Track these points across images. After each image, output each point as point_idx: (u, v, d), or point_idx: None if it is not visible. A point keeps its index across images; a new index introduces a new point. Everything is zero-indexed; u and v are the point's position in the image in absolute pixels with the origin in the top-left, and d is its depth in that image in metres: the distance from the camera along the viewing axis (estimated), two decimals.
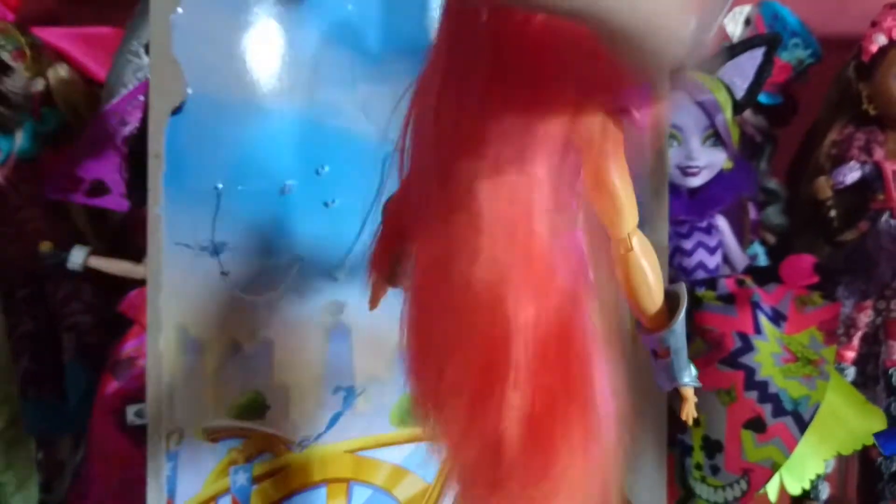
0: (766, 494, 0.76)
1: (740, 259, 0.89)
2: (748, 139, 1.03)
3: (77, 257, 0.87)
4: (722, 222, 0.87)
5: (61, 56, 0.96)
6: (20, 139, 0.94)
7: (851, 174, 0.95)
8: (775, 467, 0.72)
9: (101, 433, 0.82)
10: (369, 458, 0.77)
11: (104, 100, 0.90)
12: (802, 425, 0.73)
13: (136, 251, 0.86)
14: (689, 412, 0.46)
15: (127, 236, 0.92)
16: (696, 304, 0.84)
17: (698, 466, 0.77)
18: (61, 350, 0.96)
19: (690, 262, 0.86)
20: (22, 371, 0.96)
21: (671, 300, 0.42)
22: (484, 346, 0.29)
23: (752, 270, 0.90)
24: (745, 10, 1.04)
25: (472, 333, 0.29)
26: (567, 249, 0.32)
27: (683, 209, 0.84)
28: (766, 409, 0.74)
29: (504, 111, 0.29)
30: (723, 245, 0.87)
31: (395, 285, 0.45)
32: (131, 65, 0.87)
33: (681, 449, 0.79)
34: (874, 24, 0.93)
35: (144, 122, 0.75)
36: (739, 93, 0.84)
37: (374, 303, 0.48)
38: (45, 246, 0.89)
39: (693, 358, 0.81)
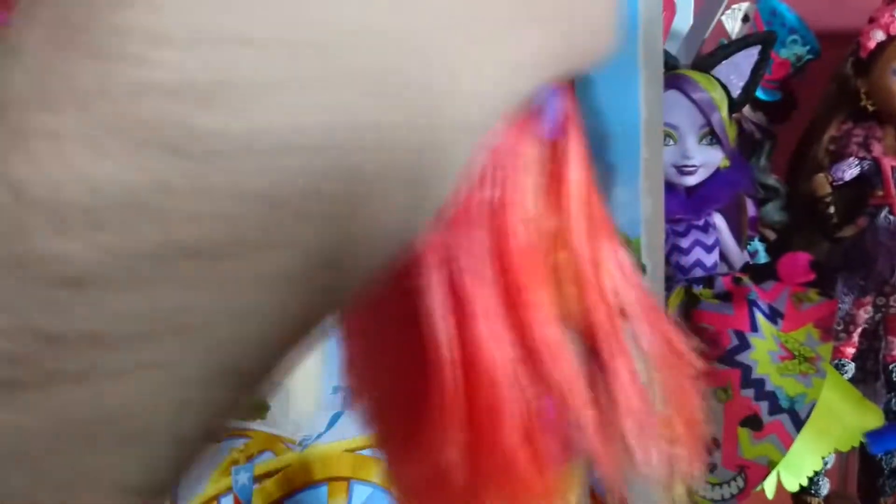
0: (763, 491, 0.77)
1: (737, 257, 0.89)
2: (747, 136, 1.04)
3: None
4: (719, 220, 0.88)
5: None
6: None
7: (850, 170, 0.95)
8: (771, 465, 0.73)
9: None
10: (369, 456, 0.78)
11: None
12: (798, 423, 0.73)
13: None
14: None
15: None
16: (693, 302, 0.84)
17: None
18: None
19: (688, 260, 0.86)
20: None
21: None
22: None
23: (749, 268, 0.91)
24: (744, 6, 1.04)
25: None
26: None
27: (680, 208, 0.85)
28: (763, 407, 0.74)
29: None
30: (720, 243, 0.88)
31: None
32: None
33: None
34: (872, 20, 0.93)
35: None
36: (736, 91, 0.84)
37: None
38: None
39: None
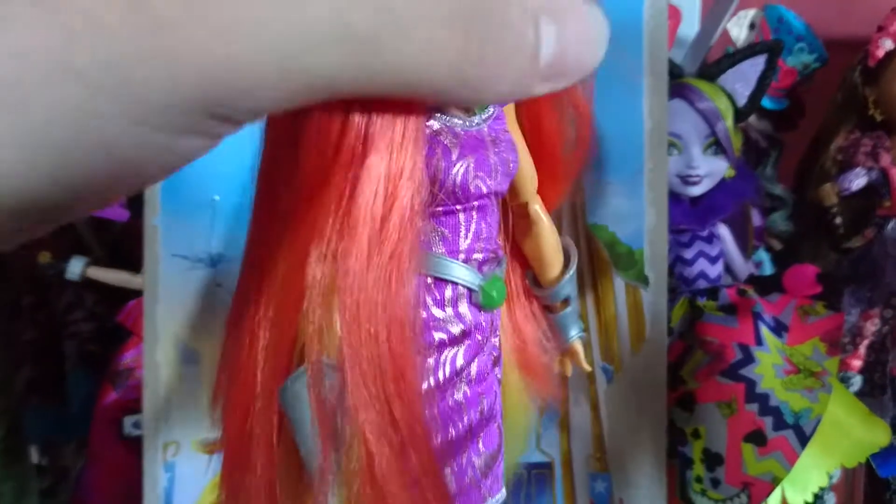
0: None
1: (742, 268, 0.88)
2: (753, 144, 1.02)
3: (75, 268, 0.88)
4: (724, 231, 0.86)
5: None
6: None
7: (857, 180, 0.94)
8: (776, 481, 0.71)
9: (100, 443, 0.83)
10: None
11: None
12: (804, 439, 0.72)
13: (135, 261, 0.86)
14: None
15: (126, 246, 0.93)
16: (696, 314, 0.83)
17: (699, 479, 0.76)
18: (63, 357, 0.97)
19: (692, 271, 0.85)
20: (25, 379, 0.97)
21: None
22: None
23: (754, 280, 0.89)
24: (750, 13, 1.03)
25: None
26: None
27: (684, 218, 0.83)
28: (767, 423, 0.73)
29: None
30: (724, 254, 0.86)
31: None
32: None
33: (682, 461, 0.78)
34: (880, 29, 0.91)
35: None
36: (741, 100, 0.83)
37: None
38: (44, 257, 0.89)
39: (693, 369, 0.80)
